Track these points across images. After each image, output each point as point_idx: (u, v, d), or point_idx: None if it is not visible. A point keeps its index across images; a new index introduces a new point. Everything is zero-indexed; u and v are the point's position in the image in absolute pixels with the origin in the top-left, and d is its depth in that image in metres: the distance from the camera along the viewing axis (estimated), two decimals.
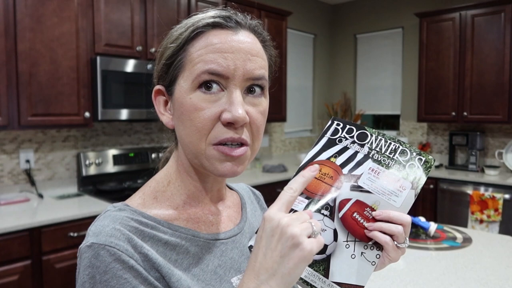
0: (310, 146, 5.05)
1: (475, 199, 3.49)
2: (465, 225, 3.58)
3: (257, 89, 0.62)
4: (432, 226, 1.99)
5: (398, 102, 4.69)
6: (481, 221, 3.48)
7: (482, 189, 3.53)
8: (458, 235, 2.02)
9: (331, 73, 5.25)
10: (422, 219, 2.07)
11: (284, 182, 3.66)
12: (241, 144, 0.61)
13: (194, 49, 0.60)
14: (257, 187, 3.33)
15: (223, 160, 0.61)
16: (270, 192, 3.45)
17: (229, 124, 0.59)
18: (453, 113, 3.90)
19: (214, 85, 0.59)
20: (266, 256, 0.52)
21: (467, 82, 3.81)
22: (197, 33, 0.61)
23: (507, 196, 3.38)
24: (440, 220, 3.75)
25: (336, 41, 5.19)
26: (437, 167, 4.20)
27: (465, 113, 3.83)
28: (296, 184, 0.57)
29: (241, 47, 0.60)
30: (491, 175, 3.68)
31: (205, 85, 0.59)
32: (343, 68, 5.13)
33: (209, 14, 0.63)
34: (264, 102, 0.64)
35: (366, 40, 4.94)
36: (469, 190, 3.58)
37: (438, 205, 3.79)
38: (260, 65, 0.62)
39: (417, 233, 2.00)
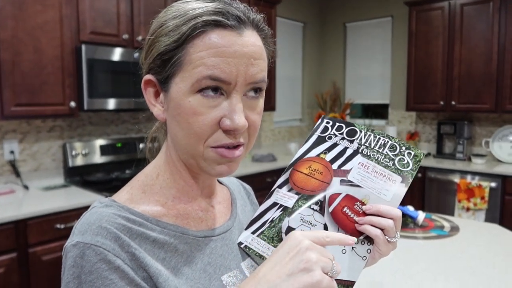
0: (299, 135, 5.04)
1: (462, 187, 3.53)
2: (452, 213, 3.63)
3: (256, 91, 0.61)
4: (420, 215, 2.01)
5: (387, 91, 4.70)
6: (468, 209, 3.53)
7: (469, 178, 3.58)
8: (446, 224, 2.04)
9: (320, 62, 5.23)
10: (410, 208, 2.08)
11: (274, 172, 3.65)
12: (238, 145, 0.61)
13: (194, 50, 0.56)
14: (246, 176, 3.32)
15: (219, 162, 0.61)
16: (259, 182, 3.45)
17: (229, 131, 0.58)
18: (441, 102, 3.92)
19: (215, 90, 0.57)
20: (273, 269, 0.52)
21: (455, 71, 3.82)
22: (198, 32, 0.57)
23: (493, 184, 3.43)
24: (428, 208, 3.79)
25: (325, 29, 5.16)
26: (425, 156, 4.23)
27: (453, 102, 3.85)
28: (333, 236, 0.56)
29: (244, 52, 0.57)
30: (478, 164, 3.73)
31: (206, 90, 0.57)
32: (333, 57, 5.11)
33: (209, 8, 0.58)
34: (261, 103, 0.63)
35: (356, 29, 4.92)
36: (456, 179, 3.62)
37: (425, 194, 3.83)
38: (261, 68, 0.60)
39: (405, 222, 2.01)
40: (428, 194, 3.82)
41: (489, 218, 3.45)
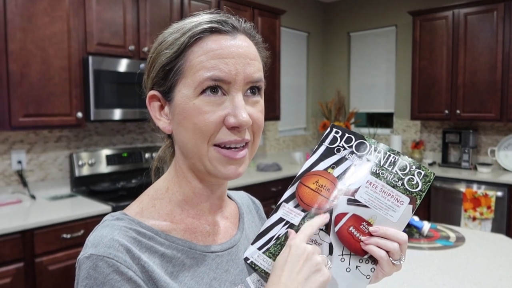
0: (304, 144, 5.05)
1: (468, 196, 3.51)
2: (458, 223, 3.60)
3: (256, 91, 0.64)
4: (426, 226, 2.00)
5: (392, 100, 4.70)
6: (474, 219, 3.50)
7: (475, 187, 3.56)
8: (451, 234, 2.03)
9: (324, 71, 5.25)
10: (415, 218, 2.08)
11: (279, 181, 3.66)
12: (244, 144, 0.62)
13: (194, 56, 0.60)
14: (251, 186, 3.32)
15: (225, 164, 0.62)
16: (264, 191, 3.45)
17: (234, 128, 0.60)
18: (446, 111, 3.92)
19: (217, 90, 0.60)
20: (291, 277, 0.59)
21: (460, 80, 3.82)
22: (195, 39, 0.61)
23: (499, 193, 3.41)
24: (434, 218, 3.77)
25: (329, 39, 5.19)
26: (430, 165, 4.22)
27: (458, 111, 3.84)
28: (316, 221, 0.64)
29: (240, 52, 0.61)
30: (484, 173, 3.71)
31: (209, 91, 0.60)
32: (337, 66, 5.13)
33: (204, 19, 0.62)
34: (262, 101, 0.66)
35: (360, 38, 4.95)
36: (462, 188, 3.60)
37: (431, 203, 3.81)
38: (258, 68, 0.63)
39: (410, 232, 2.01)
40: (434, 204, 3.80)
41: (495, 228, 3.42)
